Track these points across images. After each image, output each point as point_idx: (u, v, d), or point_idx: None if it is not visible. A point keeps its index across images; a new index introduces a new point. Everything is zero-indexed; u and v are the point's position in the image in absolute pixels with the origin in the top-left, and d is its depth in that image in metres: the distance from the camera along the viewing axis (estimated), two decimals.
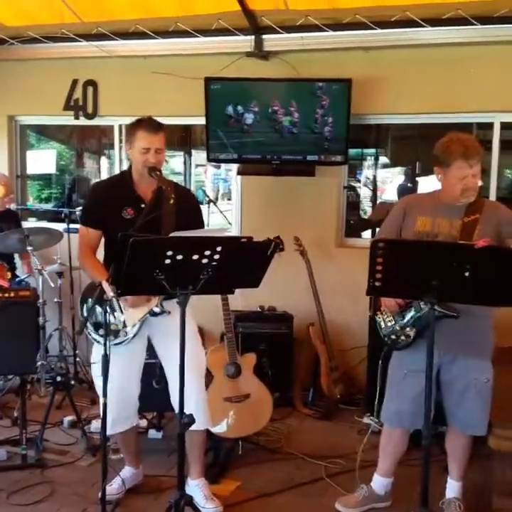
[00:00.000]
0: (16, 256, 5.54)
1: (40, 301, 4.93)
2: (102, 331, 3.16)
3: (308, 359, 5.05)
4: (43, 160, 6.58)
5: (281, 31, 5.12)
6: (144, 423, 4.35)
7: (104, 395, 3.00)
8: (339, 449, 4.17)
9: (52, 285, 4.96)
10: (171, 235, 2.84)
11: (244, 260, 2.82)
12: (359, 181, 6.84)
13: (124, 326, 3.31)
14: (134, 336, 3.34)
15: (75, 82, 5.86)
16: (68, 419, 4.48)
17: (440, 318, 2.98)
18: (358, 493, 3.49)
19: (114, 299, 3.25)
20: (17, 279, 5.19)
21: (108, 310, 3.07)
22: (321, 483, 3.79)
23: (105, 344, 2.96)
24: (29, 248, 4.87)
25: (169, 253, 2.65)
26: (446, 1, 4.57)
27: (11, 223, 5.38)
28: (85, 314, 3.41)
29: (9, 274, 4.87)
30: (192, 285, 2.77)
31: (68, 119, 6.04)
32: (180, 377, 2.86)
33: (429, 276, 2.62)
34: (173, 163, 8.72)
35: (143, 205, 3.31)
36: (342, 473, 3.88)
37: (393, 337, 3.25)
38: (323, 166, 5.22)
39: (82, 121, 5.98)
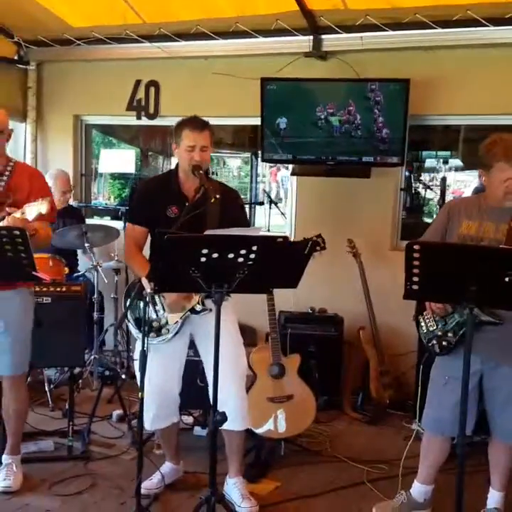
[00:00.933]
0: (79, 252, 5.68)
1: (95, 296, 5.07)
2: None
3: (358, 363, 4.98)
4: (122, 159, 6.74)
5: (339, 31, 5.06)
6: (189, 420, 4.39)
7: (142, 389, 3.06)
8: (383, 454, 4.10)
9: (106, 281, 5.08)
10: (206, 232, 2.86)
11: (281, 260, 2.81)
12: (425, 184, 6.72)
13: (166, 323, 3.35)
14: (176, 333, 3.36)
15: (137, 82, 5.95)
16: (117, 413, 4.56)
17: (482, 324, 2.92)
18: (396, 499, 3.42)
19: (156, 297, 3.31)
20: (74, 275, 5.32)
21: (149, 306, 3.12)
22: (361, 487, 3.74)
23: (143, 339, 3.02)
24: (87, 244, 5.02)
25: (204, 251, 2.65)
26: None
27: (73, 219, 5.52)
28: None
29: (66, 270, 5.00)
30: (228, 284, 2.78)
31: (131, 119, 6.14)
32: (214, 374, 2.87)
33: (466, 281, 2.54)
34: (240, 164, 8.80)
35: (187, 204, 3.34)
36: (384, 478, 3.81)
37: (434, 342, 3.18)
38: (379, 167, 5.13)
39: (144, 122, 6.07)
